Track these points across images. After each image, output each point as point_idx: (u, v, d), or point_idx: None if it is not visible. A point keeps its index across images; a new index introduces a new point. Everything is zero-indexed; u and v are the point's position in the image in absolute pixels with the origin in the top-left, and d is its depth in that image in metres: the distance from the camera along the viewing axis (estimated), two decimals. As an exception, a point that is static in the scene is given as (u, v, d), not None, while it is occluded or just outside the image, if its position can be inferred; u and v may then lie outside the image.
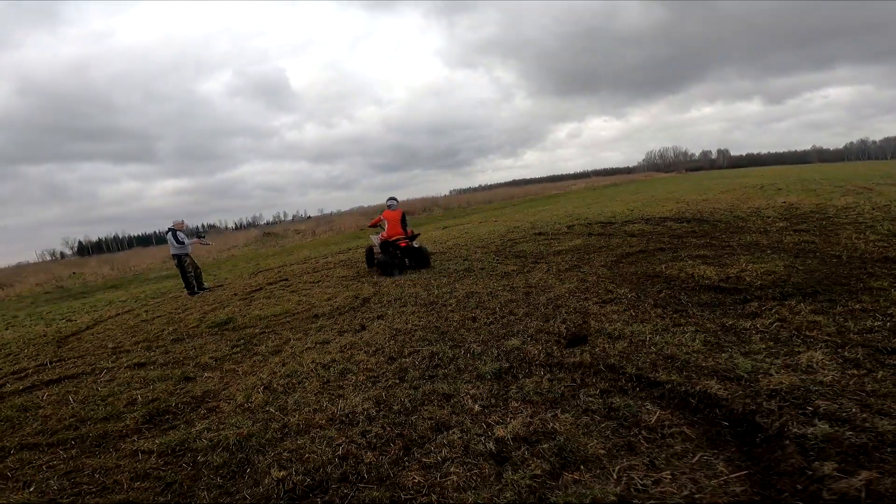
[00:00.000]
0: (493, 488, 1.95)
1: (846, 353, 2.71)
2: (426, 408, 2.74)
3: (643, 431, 2.21)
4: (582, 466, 2.01)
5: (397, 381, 3.18)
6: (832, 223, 7.19)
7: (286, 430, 2.73)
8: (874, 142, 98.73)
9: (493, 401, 2.71)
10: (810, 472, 1.77)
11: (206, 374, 3.98)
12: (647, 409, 2.38)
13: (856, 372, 2.49)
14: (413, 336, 4.11)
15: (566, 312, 4.17)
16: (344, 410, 2.84)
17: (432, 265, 7.58)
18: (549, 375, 2.92)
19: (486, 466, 2.11)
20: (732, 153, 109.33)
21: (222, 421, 2.97)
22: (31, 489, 2.52)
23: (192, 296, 8.72)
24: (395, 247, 7.57)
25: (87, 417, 3.39)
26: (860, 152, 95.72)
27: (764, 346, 2.95)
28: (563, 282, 5.35)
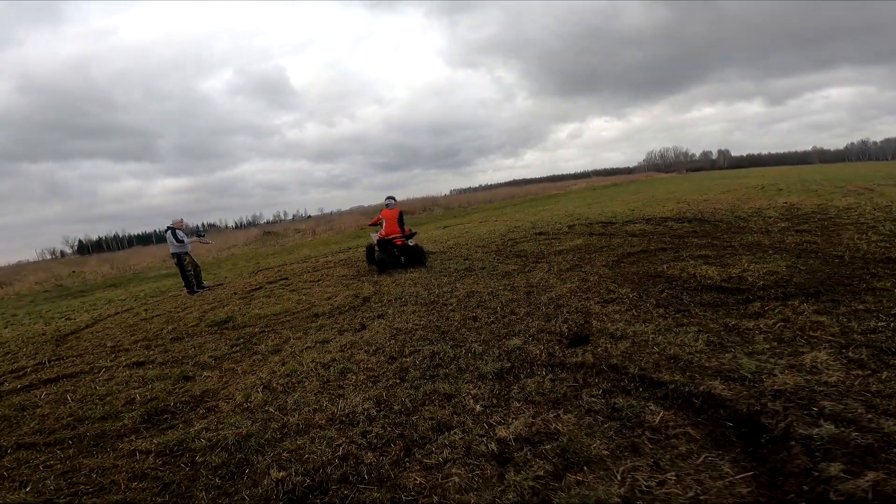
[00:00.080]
0: (496, 490, 1.93)
1: (850, 354, 2.69)
2: (427, 408, 2.71)
3: (647, 432, 2.18)
4: (585, 467, 1.99)
5: (398, 381, 3.15)
6: (834, 223, 7.17)
7: (286, 430, 2.70)
8: (875, 143, 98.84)
9: (494, 401, 2.69)
10: (817, 473, 1.76)
11: (205, 374, 3.96)
12: (651, 410, 2.36)
13: (860, 372, 2.47)
14: (414, 335, 4.09)
15: (568, 312, 4.15)
16: (344, 410, 2.81)
17: (431, 265, 7.58)
18: (551, 375, 2.90)
19: (488, 467, 2.08)
20: (733, 154, 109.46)
21: (221, 421, 2.95)
22: (28, 489, 2.49)
23: (192, 294, 8.70)
24: (391, 245, 7.73)
25: (84, 417, 3.37)
26: (861, 153, 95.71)
27: (767, 346, 2.93)
28: (565, 281, 5.32)
